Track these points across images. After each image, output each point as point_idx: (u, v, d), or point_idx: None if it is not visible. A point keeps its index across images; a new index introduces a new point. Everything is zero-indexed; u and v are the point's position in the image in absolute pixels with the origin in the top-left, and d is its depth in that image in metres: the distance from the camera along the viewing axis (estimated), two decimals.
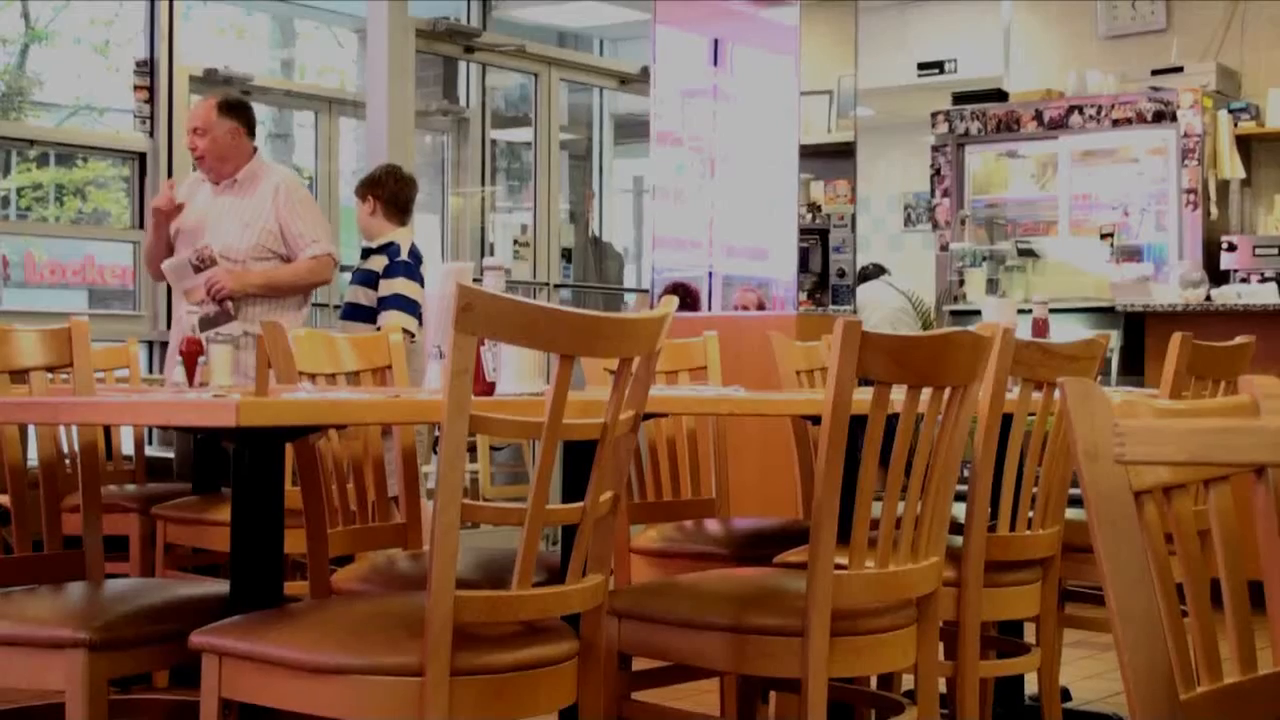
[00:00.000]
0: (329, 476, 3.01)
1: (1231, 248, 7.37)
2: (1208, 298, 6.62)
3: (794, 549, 3.14)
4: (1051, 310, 4.46)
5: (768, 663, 2.58)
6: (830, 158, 6.45)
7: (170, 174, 7.48)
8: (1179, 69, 7.78)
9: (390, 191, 5.99)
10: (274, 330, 3.19)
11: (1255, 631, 1.50)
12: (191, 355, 3.50)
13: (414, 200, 6.15)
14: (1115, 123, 7.70)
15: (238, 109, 5.35)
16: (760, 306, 6.19)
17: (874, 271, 8.46)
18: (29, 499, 2.90)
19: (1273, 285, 6.74)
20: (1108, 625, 1.37)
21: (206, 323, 5.06)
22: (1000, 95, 8.21)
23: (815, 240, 6.37)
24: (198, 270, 5.10)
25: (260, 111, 9.12)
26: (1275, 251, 7.26)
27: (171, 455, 5.06)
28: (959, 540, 2.96)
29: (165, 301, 7.41)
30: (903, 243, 11.32)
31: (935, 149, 8.27)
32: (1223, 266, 7.32)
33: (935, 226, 8.28)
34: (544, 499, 2.22)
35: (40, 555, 2.90)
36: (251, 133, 5.30)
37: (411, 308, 5.77)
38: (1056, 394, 3.07)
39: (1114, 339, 6.60)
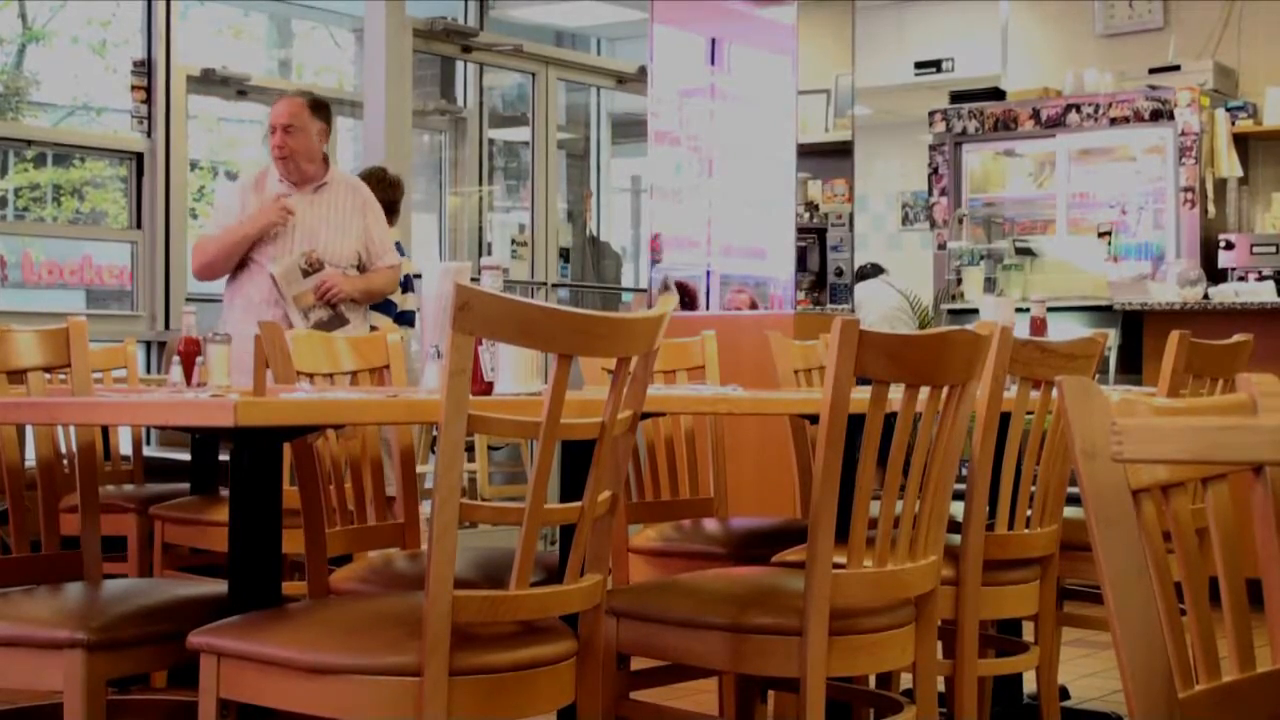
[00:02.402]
0: (327, 476, 3.01)
1: (1229, 246, 7.37)
2: (1205, 296, 6.63)
3: (792, 548, 3.14)
4: (1049, 309, 4.46)
5: (766, 662, 2.58)
6: (828, 157, 6.44)
7: (168, 173, 7.47)
8: (1176, 67, 7.78)
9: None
10: (272, 331, 3.19)
11: (1253, 630, 1.50)
12: (189, 355, 3.50)
13: (399, 202, 6.17)
14: (1113, 121, 7.70)
15: (325, 110, 5.25)
16: (753, 306, 6.19)
17: (871, 271, 8.46)
18: (27, 499, 2.90)
19: (1270, 283, 6.74)
20: (1106, 624, 1.37)
21: (320, 328, 4.92)
22: (998, 94, 8.21)
23: (813, 239, 6.37)
24: (305, 275, 5.02)
25: (257, 111, 9.12)
26: (1273, 250, 7.26)
27: (175, 456, 5.03)
28: (957, 539, 2.96)
29: (163, 301, 7.41)
30: (900, 241, 11.34)
31: (933, 148, 8.27)
32: (1220, 265, 7.33)
33: (933, 225, 8.28)
34: (542, 498, 2.22)
35: (38, 555, 2.90)
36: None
37: (384, 305, 5.79)
38: (1055, 392, 3.07)
39: (1112, 337, 6.60)
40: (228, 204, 5.27)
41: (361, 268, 5.17)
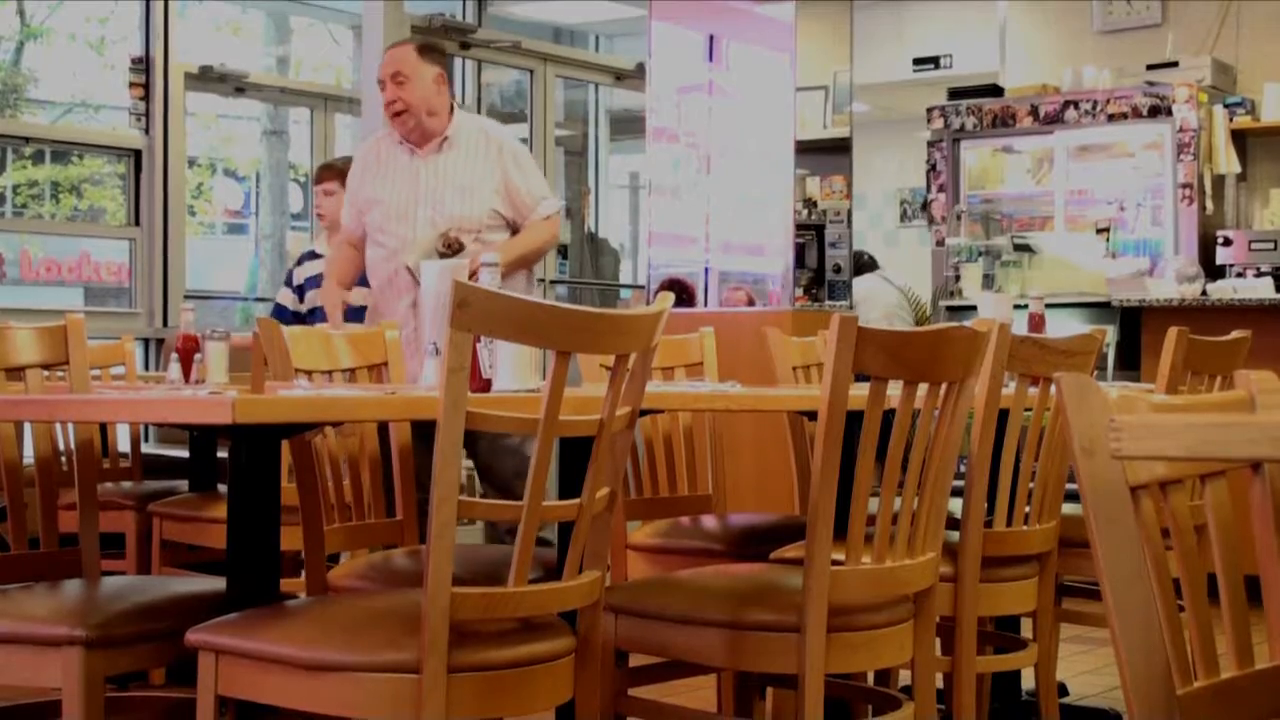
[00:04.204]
0: (325, 473, 3.01)
1: (1227, 242, 7.37)
2: (1204, 293, 6.62)
3: (790, 545, 3.14)
4: (1047, 305, 4.45)
5: (764, 659, 2.58)
6: (826, 153, 6.45)
7: (166, 170, 7.46)
8: (1174, 64, 7.77)
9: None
10: (269, 328, 3.18)
11: (1252, 626, 1.50)
12: (187, 352, 3.49)
13: None
14: (1111, 118, 7.70)
15: (438, 53, 4.54)
16: (750, 303, 6.19)
17: (869, 262, 8.44)
18: (25, 497, 2.89)
19: (1269, 280, 6.74)
20: (1105, 620, 1.37)
21: None
22: (996, 90, 8.20)
23: (811, 236, 6.37)
24: (444, 259, 4.33)
25: (255, 108, 9.11)
26: (1271, 246, 7.26)
27: (173, 453, 5.03)
28: (956, 535, 2.96)
29: (161, 298, 7.40)
30: (898, 238, 11.32)
31: (931, 144, 8.27)
32: (1218, 261, 7.32)
33: (931, 222, 8.28)
34: (540, 496, 2.22)
35: (37, 553, 2.89)
36: (451, 81, 4.55)
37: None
38: (1053, 389, 3.07)
39: (1110, 334, 6.59)
40: (351, 188, 4.65)
41: (513, 227, 4.47)
